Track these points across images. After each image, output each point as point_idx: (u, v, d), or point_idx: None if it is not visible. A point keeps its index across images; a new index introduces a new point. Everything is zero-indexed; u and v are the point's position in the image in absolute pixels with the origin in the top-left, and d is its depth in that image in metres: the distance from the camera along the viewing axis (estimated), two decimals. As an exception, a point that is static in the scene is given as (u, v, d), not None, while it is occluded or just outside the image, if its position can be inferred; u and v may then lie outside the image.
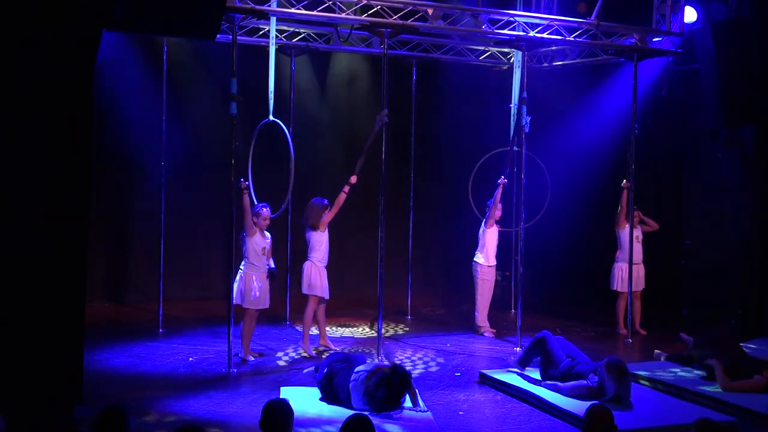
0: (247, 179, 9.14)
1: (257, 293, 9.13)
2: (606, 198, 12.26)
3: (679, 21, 10.71)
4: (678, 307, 12.15)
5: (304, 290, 9.61)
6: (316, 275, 9.53)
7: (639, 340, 10.64)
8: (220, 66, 11.77)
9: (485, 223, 10.82)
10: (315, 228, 9.53)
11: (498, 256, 11.06)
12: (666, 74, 12.37)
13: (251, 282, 9.12)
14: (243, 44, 10.10)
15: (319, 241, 9.56)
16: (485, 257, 10.84)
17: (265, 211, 9.20)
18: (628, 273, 10.82)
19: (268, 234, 9.32)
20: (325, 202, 9.56)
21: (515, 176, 11.62)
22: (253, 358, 9.16)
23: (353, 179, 9.50)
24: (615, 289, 11.08)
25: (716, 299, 11.67)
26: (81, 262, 6.42)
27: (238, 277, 9.18)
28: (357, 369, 7.32)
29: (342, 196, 9.48)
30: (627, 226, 10.91)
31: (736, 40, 10.50)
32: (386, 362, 7.86)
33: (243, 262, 9.21)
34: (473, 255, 10.94)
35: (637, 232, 10.99)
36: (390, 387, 7.08)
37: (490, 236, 10.84)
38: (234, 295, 9.10)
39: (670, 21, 10.63)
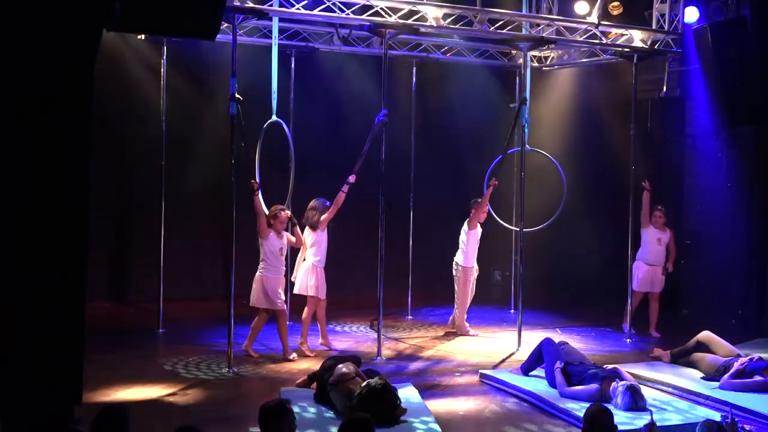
0: (257, 179, 9.11)
1: (282, 294, 9.25)
2: (607, 197, 12.27)
3: (680, 21, 10.72)
4: (678, 307, 12.15)
5: (303, 291, 9.61)
6: (314, 276, 9.53)
7: (638, 340, 10.61)
8: (221, 65, 11.82)
9: (468, 223, 10.75)
10: (314, 228, 9.53)
11: (498, 256, 11.04)
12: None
13: (272, 283, 9.13)
14: (243, 44, 10.10)
15: (318, 241, 9.56)
16: (465, 258, 10.78)
17: (283, 214, 9.16)
18: (643, 273, 10.78)
19: (285, 234, 9.30)
20: (327, 203, 9.56)
21: (515, 176, 11.62)
22: (295, 357, 9.19)
23: (352, 179, 9.50)
24: (632, 288, 10.99)
25: (716, 299, 11.66)
26: (81, 262, 6.41)
27: (255, 279, 9.19)
28: (331, 380, 7.07)
29: (341, 196, 9.48)
30: (650, 227, 10.85)
31: (736, 40, 10.50)
32: (350, 369, 7.19)
33: (261, 264, 9.21)
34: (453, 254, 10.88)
35: (661, 235, 10.84)
36: (368, 406, 6.45)
37: (473, 237, 10.75)
38: (251, 297, 9.17)
39: (670, 21, 10.64)
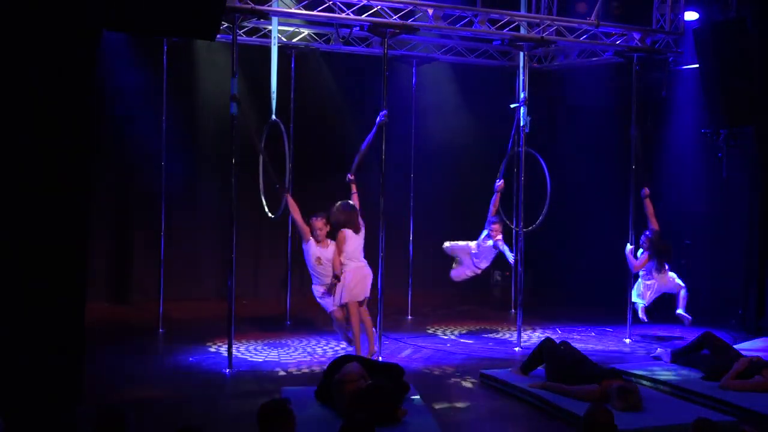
0: (285, 186, 8.99)
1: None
2: (607, 197, 12.26)
3: (679, 21, 10.72)
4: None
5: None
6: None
7: (638, 339, 10.61)
8: (221, 65, 11.83)
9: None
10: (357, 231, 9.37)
11: (498, 256, 11.01)
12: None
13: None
14: (243, 44, 10.09)
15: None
16: None
17: (316, 221, 9.03)
18: None
19: (328, 242, 9.15)
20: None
21: (515, 176, 11.60)
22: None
23: (351, 176, 9.42)
24: None
25: (716, 299, 11.66)
26: (81, 261, 6.43)
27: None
28: (336, 377, 7.03)
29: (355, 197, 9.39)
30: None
31: (736, 40, 10.50)
32: (356, 369, 7.13)
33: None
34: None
35: None
36: (369, 406, 6.49)
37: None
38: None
39: (670, 21, 10.64)
